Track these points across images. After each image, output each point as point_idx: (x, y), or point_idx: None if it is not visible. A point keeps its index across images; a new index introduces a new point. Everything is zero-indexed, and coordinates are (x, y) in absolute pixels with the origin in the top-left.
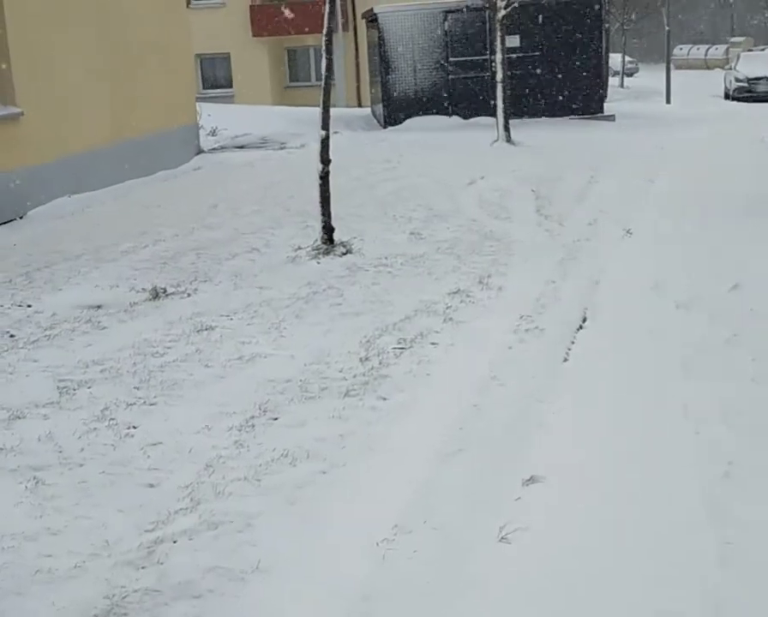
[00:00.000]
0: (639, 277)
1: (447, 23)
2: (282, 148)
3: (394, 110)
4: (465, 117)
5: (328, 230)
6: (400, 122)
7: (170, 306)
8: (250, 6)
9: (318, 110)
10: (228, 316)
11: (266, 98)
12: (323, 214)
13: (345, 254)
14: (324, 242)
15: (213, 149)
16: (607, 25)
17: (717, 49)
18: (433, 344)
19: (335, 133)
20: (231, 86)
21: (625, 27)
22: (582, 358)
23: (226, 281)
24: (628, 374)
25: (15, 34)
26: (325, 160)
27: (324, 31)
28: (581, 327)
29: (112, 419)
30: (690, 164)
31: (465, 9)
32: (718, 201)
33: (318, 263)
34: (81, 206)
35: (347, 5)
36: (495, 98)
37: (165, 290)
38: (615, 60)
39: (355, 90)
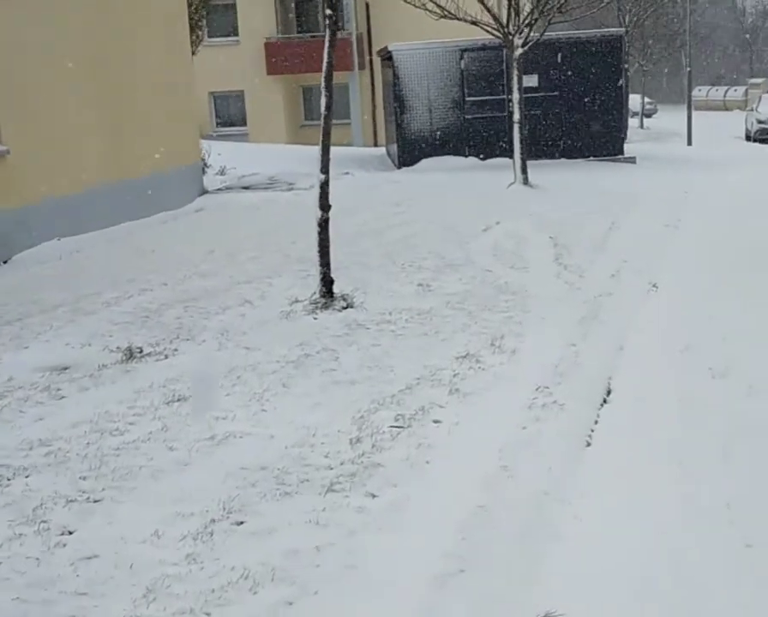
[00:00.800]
0: (668, 339)
1: (463, 62)
2: (290, 189)
3: (409, 151)
4: (482, 158)
5: (327, 281)
6: (415, 163)
7: (142, 370)
8: (265, 43)
9: (318, 151)
10: (205, 383)
11: (280, 136)
12: (322, 265)
13: (345, 308)
14: (323, 295)
15: (219, 189)
16: (626, 65)
17: (735, 90)
18: (435, 421)
19: (345, 173)
20: (245, 125)
21: (644, 68)
22: (607, 442)
23: (211, 340)
24: (661, 463)
25: None
26: (324, 206)
27: (324, 67)
28: (605, 402)
29: (44, 521)
30: (716, 210)
31: (482, 48)
32: (747, 252)
33: (315, 319)
34: (69, 250)
35: (363, 43)
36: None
37: (140, 350)
38: (635, 101)
39: (371, 129)
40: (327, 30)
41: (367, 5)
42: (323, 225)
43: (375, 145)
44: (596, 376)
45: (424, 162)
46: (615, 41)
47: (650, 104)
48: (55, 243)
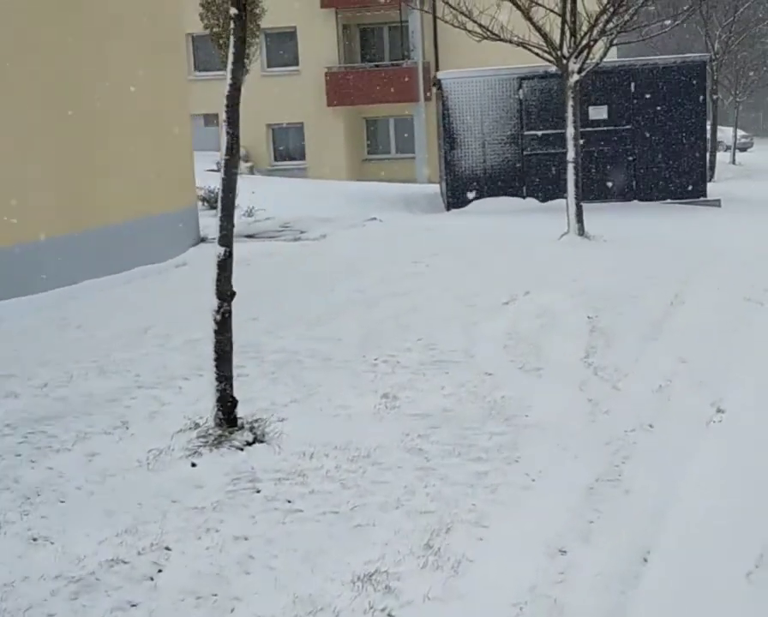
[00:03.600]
0: (730, 536)
1: (522, 91)
2: (297, 239)
3: (459, 191)
4: (541, 200)
5: (227, 403)
6: (466, 205)
7: None
8: (326, 73)
9: (218, 212)
10: None
11: (341, 171)
12: (219, 379)
13: (249, 443)
14: (219, 423)
15: None
16: (716, 96)
17: None
18: None
19: (371, 219)
20: (304, 159)
21: (737, 99)
22: None
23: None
24: None
25: None
26: (222, 294)
27: (226, 90)
28: None
29: None
30: None
31: (543, 76)
32: None
33: (193, 466)
34: None
35: (431, 71)
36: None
37: None
38: (727, 134)
39: (436, 165)
40: (232, 37)
41: (435, 31)
42: (222, 321)
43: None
44: None
45: (477, 203)
46: (697, 68)
47: (745, 137)
48: None
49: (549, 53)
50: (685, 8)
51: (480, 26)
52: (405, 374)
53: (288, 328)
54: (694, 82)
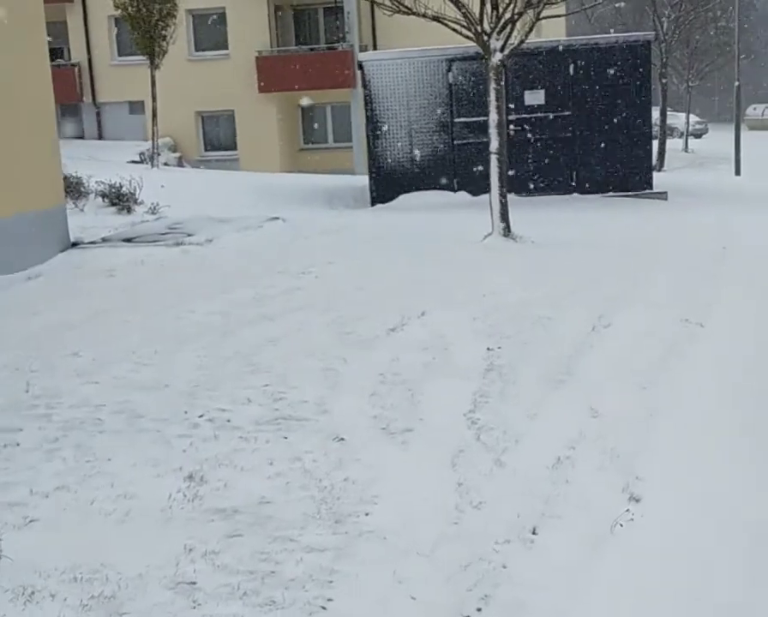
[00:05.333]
0: None
1: (451, 74)
2: (179, 244)
3: (384, 185)
4: (474, 194)
5: None
6: (392, 199)
7: None
8: (256, 57)
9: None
10: None
11: (275, 161)
12: None
13: None
14: None
15: (94, 242)
16: (665, 80)
17: None
18: None
19: (274, 219)
20: (235, 149)
21: (690, 84)
22: None
23: None
24: None
25: None
26: None
27: None
28: None
29: None
30: (765, 273)
31: (475, 57)
32: None
33: None
34: None
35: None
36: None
37: None
38: (681, 120)
39: None
40: None
41: (372, 13)
42: None
43: None
44: None
45: (403, 198)
46: (642, 48)
47: (699, 123)
48: None
49: (469, 28)
50: None
51: None
52: (230, 440)
53: (108, 368)
54: (639, 64)
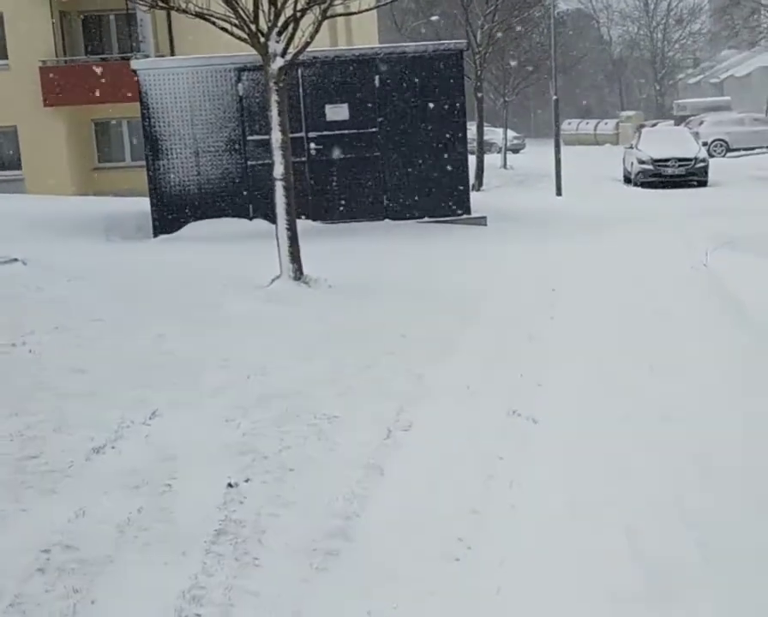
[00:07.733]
0: None
1: (241, 85)
2: None
3: (167, 212)
4: (272, 220)
5: None
6: (178, 229)
7: None
8: (40, 68)
9: None
10: None
11: (66, 182)
12: None
13: None
14: None
15: None
16: (480, 94)
17: (606, 124)
18: None
19: (12, 261)
20: (20, 169)
21: (506, 99)
22: None
23: None
24: None
25: None
26: None
27: None
28: None
29: None
30: (601, 335)
31: None
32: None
33: None
34: None
35: None
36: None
37: None
38: (499, 135)
39: None
40: None
41: (169, 19)
42: None
43: None
44: None
45: (191, 227)
46: (454, 58)
47: (517, 138)
48: None
49: (241, 28)
50: None
51: None
52: None
53: None
54: (452, 75)
